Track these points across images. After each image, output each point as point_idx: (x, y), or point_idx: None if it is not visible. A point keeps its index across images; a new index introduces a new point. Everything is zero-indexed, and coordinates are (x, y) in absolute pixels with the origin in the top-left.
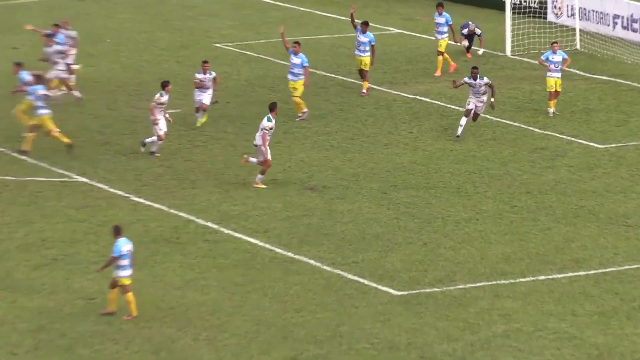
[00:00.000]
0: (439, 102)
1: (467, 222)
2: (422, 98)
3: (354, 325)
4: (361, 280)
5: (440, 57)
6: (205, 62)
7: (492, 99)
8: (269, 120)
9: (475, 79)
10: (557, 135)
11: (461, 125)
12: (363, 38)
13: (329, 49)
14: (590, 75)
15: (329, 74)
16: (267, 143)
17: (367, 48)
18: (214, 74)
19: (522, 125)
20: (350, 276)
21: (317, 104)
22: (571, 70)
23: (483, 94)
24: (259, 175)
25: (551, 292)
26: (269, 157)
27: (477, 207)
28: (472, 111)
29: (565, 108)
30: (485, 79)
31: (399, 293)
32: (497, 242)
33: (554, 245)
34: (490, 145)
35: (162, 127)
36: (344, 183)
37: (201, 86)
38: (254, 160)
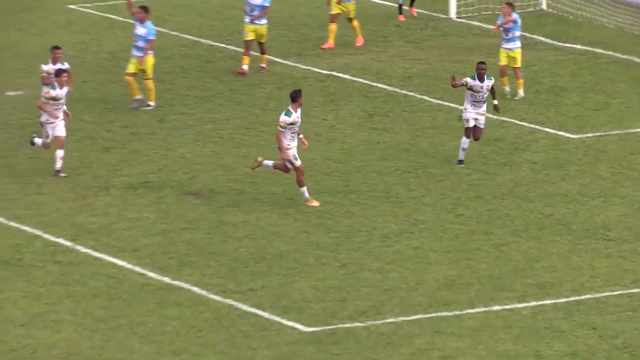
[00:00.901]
0: (362, 80)
1: (398, 237)
2: (341, 75)
3: None
4: (260, 313)
5: (355, 24)
6: (56, 48)
7: (495, 101)
8: (287, 114)
9: (482, 80)
10: (517, 122)
11: (463, 149)
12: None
13: (217, 11)
14: (561, 44)
15: (217, 44)
16: (287, 144)
17: (260, 12)
18: (66, 65)
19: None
20: (245, 308)
21: (202, 84)
22: (535, 37)
23: (484, 101)
24: (301, 189)
25: (508, 327)
26: (294, 161)
27: (411, 216)
28: (473, 128)
29: (528, 87)
30: (492, 80)
31: (310, 329)
32: (438, 262)
33: (513, 266)
34: (429, 136)
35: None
36: (237, 186)
37: (50, 82)
38: (269, 163)
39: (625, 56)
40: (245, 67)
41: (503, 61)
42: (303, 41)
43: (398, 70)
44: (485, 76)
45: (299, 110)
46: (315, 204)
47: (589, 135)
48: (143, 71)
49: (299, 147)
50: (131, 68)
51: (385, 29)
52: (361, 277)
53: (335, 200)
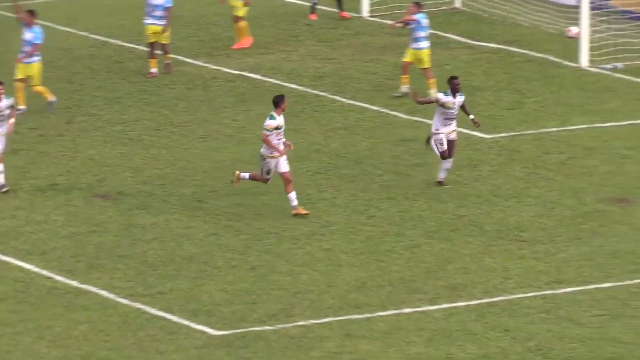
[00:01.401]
0: (272, 80)
1: (309, 238)
2: (251, 75)
3: None
4: (169, 316)
5: (242, 25)
6: None
7: (471, 116)
8: (271, 118)
9: (455, 96)
10: (430, 122)
11: (445, 169)
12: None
13: (127, 10)
14: (475, 43)
15: (126, 44)
16: (276, 146)
17: (163, 12)
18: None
19: (384, 110)
20: (154, 311)
21: (111, 84)
22: (448, 35)
23: (455, 119)
24: (289, 195)
25: (420, 329)
26: (281, 166)
27: (322, 218)
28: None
29: (441, 87)
30: (463, 96)
31: (219, 333)
32: (349, 264)
33: (425, 268)
34: (340, 137)
35: None
36: (146, 188)
37: None
38: (246, 175)
39: (540, 54)
40: (153, 70)
41: (407, 58)
42: (213, 41)
43: (309, 70)
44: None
45: (282, 116)
46: (304, 212)
47: (503, 135)
48: (31, 77)
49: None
50: (19, 74)
51: (296, 28)
52: (271, 279)
53: (245, 202)
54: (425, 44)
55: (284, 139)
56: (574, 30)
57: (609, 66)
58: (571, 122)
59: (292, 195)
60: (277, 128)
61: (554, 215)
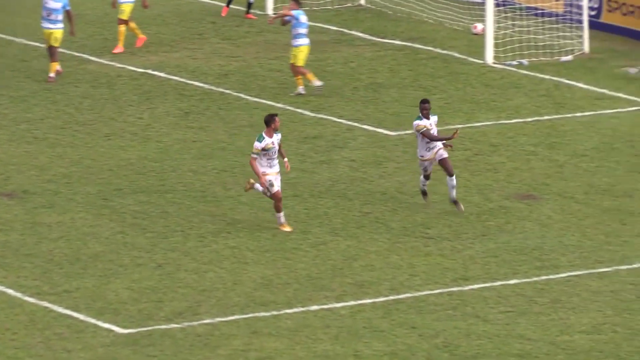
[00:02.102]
0: (177, 78)
1: (215, 236)
2: (155, 73)
3: None
4: (75, 315)
5: (122, 28)
6: None
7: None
8: (259, 139)
9: (428, 118)
10: (335, 119)
11: (451, 187)
12: (54, 3)
13: (31, 9)
14: (379, 40)
15: (31, 43)
16: (262, 170)
17: (60, 16)
18: None
19: (289, 107)
20: (61, 310)
21: (16, 83)
22: (353, 32)
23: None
24: (277, 214)
25: (327, 327)
26: (269, 187)
27: (228, 216)
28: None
29: (346, 83)
30: (436, 115)
31: (126, 331)
32: (255, 262)
33: (331, 265)
34: (246, 135)
35: None
36: (51, 187)
37: None
38: (259, 188)
39: (444, 51)
40: (52, 74)
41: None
42: (117, 40)
43: (214, 68)
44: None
45: (275, 135)
46: (288, 229)
47: (408, 132)
48: None
49: (282, 171)
50: None
51: (200, 26)
52: (177, 277)
53: (150, 200)
54: (303, 41)
55: (285, 159)
56: (479, 26)
57: (514, 62)
58: (476, 119)
59: (280, 214)
60: (265, 149)
61: (457, 212)
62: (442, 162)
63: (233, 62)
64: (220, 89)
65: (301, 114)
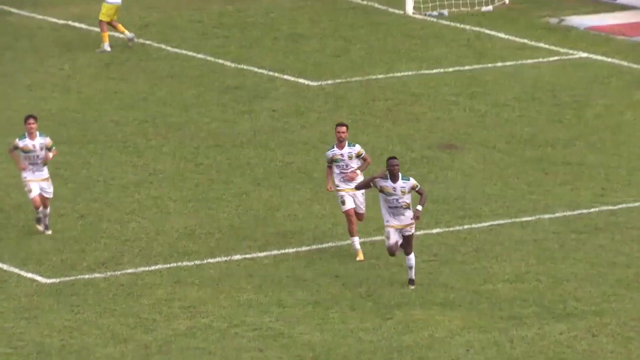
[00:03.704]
0: (98, 29)
1: (137, 187)
2: (76, 24)
3: None
4: (0, 265)
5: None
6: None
7: (419, 207)
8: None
9: (395, 180)
10: (256, 70)
11: (408, 267)
12: None
13: None
14: None
15: None
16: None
17: None
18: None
19: (209, 58)
20: None
21: None
22: None
23: (406, 207)
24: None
25: (250, 276)
26: (340, 205)
27: (150, 166)
28: (398, 242)
29: (265, 34)
30: (412, 180)
31: (49, 281)
32: (178, 212)
33: (253, 215)
34: (167, 85)
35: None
36: None
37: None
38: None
39: (364, 2)
40: None
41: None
42: None
43: (135, 19)
44: (400, 175)
45: (347, 147)
46: (360, 258)
47: (329, 82)
48: None
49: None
50: None
51: None
52: (100, 228)
53: (72, 151)
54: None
55: (350, 170)
56: None
57: (434, 13)
58: (397, 69)
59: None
60: (334, 160)
61: (382, 161)
62: (404, 239)
63: (153, 13)
64: (141, 40)
65: (222, 64)
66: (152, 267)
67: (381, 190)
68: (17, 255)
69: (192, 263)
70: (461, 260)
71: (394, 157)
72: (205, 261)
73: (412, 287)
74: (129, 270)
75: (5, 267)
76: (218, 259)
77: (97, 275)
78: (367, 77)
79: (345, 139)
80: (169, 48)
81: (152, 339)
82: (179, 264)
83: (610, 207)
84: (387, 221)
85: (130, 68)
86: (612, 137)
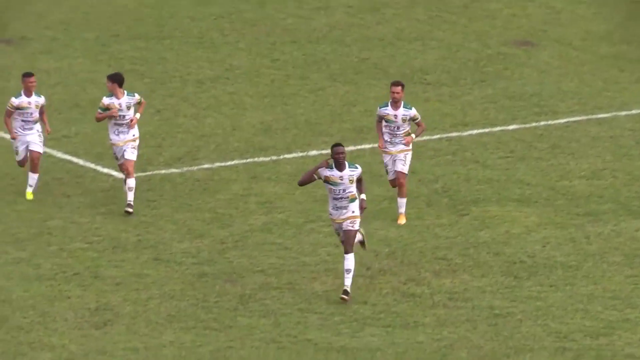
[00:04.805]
0: None
1: (213, 82)
2: None
3: (65, 220)
4: (75, 160)
5: None
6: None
7: (363, 195)
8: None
9: (341, 169)
10: None
11: (346, 271)
12: None
13: None
14: None
15: None
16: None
17: None
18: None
19: None
20: (60, 155)
21: None
22: None
23: (352, 199)
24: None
25: None
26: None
27: (226, 62)
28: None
29: None
30: (358, 168)
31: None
32: (254, 107)
33: (329, 111)
34: None
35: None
36: (49, 33)
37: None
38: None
39: None
40: None
41: None
42: None
43: None
44: (347, 163)
45: (401, 109)
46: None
47: None
48: None
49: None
50: None
51: None
52: (176, 123)
53: (148, 47)
54: None
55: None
56: None
57: None
58: None
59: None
60: (386, 120)
61: (458, 58)
62: (343, 233)
63: None
64: None
65: None
66: (229, 163)
67: (326, 181)
68: (93, 150)
69: (269, 158)
70: (537, 156)
71: (340, 144)
72: (281, 157)
73: (347, 298)
74: (205, 166)
75: (81, 162)
76: (294, 155)
77: (173, 170)
78: None
79: (401, 99)
80: None
81: (228, 234)
82: (255, 159)
83: None
84: (330, 214)
85: None
86: None
